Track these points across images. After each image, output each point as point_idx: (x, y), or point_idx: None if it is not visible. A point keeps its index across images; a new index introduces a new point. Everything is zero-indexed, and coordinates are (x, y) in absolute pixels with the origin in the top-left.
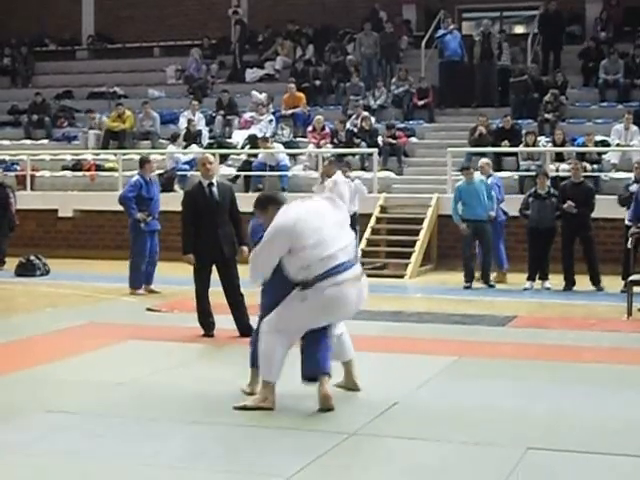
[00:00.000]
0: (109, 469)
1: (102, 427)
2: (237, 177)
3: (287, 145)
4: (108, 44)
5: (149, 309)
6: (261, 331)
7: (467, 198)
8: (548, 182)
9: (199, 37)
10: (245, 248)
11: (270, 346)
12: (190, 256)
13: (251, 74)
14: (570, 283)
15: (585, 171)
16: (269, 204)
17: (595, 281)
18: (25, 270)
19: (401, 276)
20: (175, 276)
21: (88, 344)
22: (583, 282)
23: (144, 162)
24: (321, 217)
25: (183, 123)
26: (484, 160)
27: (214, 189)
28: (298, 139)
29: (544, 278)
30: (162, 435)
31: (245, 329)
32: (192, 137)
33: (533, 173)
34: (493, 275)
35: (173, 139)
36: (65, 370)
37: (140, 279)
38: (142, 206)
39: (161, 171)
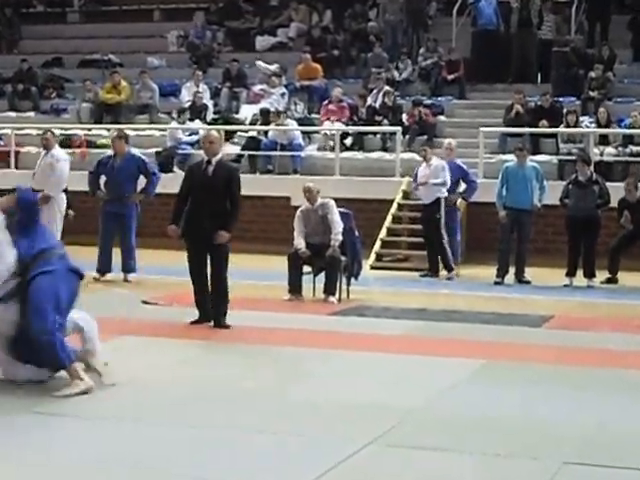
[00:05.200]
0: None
1: (90, 430)
2: (241, 156)
3: (301, 122)
4: (102, 6)
5: (145, 302)
6: None
7: (513, 183)
8: (590, 168)
9: (204, 0)
10: (223, 233)
11: None
12: (172, 227)
13: (261, 42)
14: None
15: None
16: None
17: None
18: None
19: (424, 269)
20: (174, 266)
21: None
22: (630, 279)
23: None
24: None
25: (185, 96)
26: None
27: (210, 167)
28: (313, 115)
29: (589, 276)
30: (158, 438)
31: (217, 320)
32: (197, 111)
33: (574, 157)
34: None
35: (179, 114)
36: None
37: (101, 264)
38: (107, 185)
39: (159, 149)
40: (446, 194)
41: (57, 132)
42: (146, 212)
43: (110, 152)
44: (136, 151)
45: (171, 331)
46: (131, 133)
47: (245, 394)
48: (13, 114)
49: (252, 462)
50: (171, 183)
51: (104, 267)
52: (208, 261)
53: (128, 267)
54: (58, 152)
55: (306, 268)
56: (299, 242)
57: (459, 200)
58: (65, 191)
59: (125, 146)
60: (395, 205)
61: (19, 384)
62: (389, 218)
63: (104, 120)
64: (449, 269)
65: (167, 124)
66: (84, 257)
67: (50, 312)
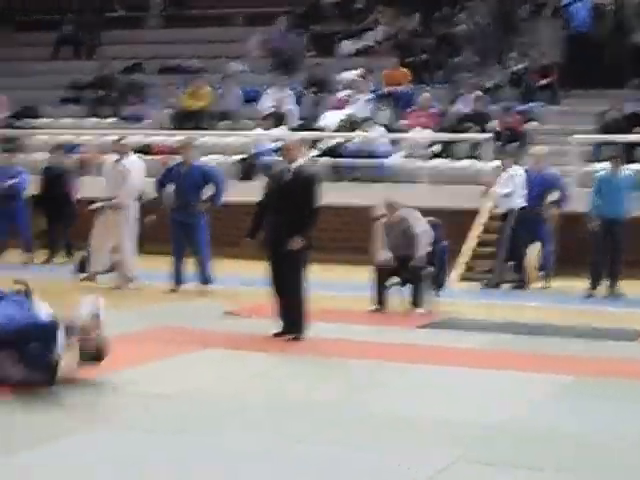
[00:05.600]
0: None
1: (162, 443)
2: (324, 164)
3: (386, 129)
4: (183, 11)
5: (227, 313)
6: None
7: (606, 192)
8: None
9: (287, 4)
10: (296, 238)
11: None
12: (247, 240)
13: (346, 46)
14: None
15: None
16: None
17: None
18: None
19: (515, 281)
20: (256, 276)
21: (159, 351)
22: None
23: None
24: None
25: (266, 102)
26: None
27: (289, 174)
28: (399, 122)
29: None
30: (235, 452)
31: (291, 332)
32: (279, 118)
33: None
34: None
35: (263, 120)
36: (135, 380)
37: (174, 274)
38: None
39: (241, 156)
40: (520, 204)
41: (137, 139)
42: (227, 221)
43: (179, 160)
44: (205, 159)
45: (250, 343)
46: (212, 140)
47: (318, 407)
48: (93, 120)
49: (334, 477)
50: (253, 191)
51: (177, 277)
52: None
53: (202, 278)
54: (131, 160)
55: (393, 278)
56: (383, 253)
57: (551, 210)
58: (141, 198)
59: (193, 154)
60: (485, 215)
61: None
62: (479, 228)
63: (185, 127)
64: (494, 283)
65: (249, 131)
66: (163, 267)
67: None
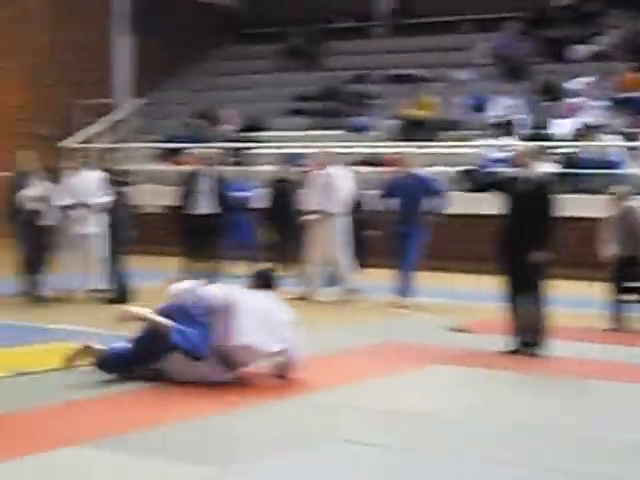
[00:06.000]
0: None
1: (404, 462)
2: (556, 174)
3: (623, 137)
4: (408, 19)
5: (453, 329)
6: None
7: None
8: None
9: (515, 9)
10: (536, 252)
11: None
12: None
13: (578, 51)
14: None
15: None
16: None
17: None
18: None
19: None
20: (483, 291)
21: (388, 366)
22: None
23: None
24: None
25: (494, 110)
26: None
27: (520, 184)
28: (636, 130)
29: None
30: (470, 476)
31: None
32: (507, 127)
33: None
34: None
35: (490, 129)
36: (363, 395)
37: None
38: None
39: (467, 167)
40: None
41: (363, 150)
42: (450, 233)
43: (403, 171)
44: (430, 170)
45: (479, 360)
46: (438, 150)
47: (559, 429)
48: (318, 132)
49: None
50: (481, 203)
51: (402, 291)
52: (521, 285)
53: (403, 290)
54: (335, 170)
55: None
56: (608, 248)
57: None
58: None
59: (410, 165)
60: None
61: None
62: None
63: (411, 137)
64: None
65: (475, 140)
66: (383, 280)
67: None
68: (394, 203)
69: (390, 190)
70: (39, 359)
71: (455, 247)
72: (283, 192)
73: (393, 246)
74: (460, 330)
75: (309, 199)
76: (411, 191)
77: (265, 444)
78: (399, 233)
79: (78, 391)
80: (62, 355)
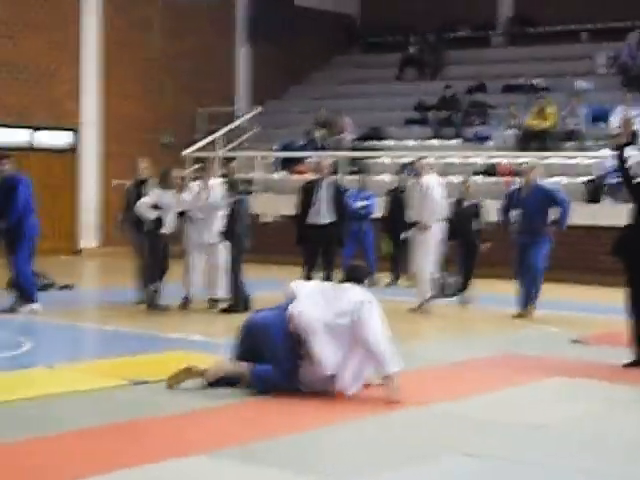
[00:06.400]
0: None
1: (527, 476)
2: None
3: None
4: (527, 28)
5: (575, 341)
6: None
7: None
8: None
9: (637, 18)
10: None
11: None
12: None
13: None
14: None
15: None
16: None
17: None
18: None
19: None
20: (605, 303)
21: (506, 379)
22: None
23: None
24: None
25: (615, 120)
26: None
27: None
28: None
29: None
30: None
31: None
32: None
33: None
34: None
35: (613, 139)
36: (480, 407)
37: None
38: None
39: (588, 178)
40: None
41: (481, 160)
42: (572, 245)
43: (521, 182)
44: (551, 181)
45: (600, 372)
46: (558, 161)
47: None
48: (437, 142)
49: None
50: (601, 214)
51: (523, 301)
52: None
53: (525, 301)
54: (430, 179)
55: None
56: None
57: None
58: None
59: (537, 176)
60: None
61: None
62: None
63: (530, 148)
64: None
65: (596, 151)
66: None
67: None
68: (517, 214)
69: (513, 201)
70: (155, 368)
71: (576, 258)
72: (399, 202)
73: (516, 257)
74: (581, 342)
75: (411, 210)
76: (535, 202)
77: (381, 457)
78: (520, 244)
79: (191, 401)
80: (175, 367)
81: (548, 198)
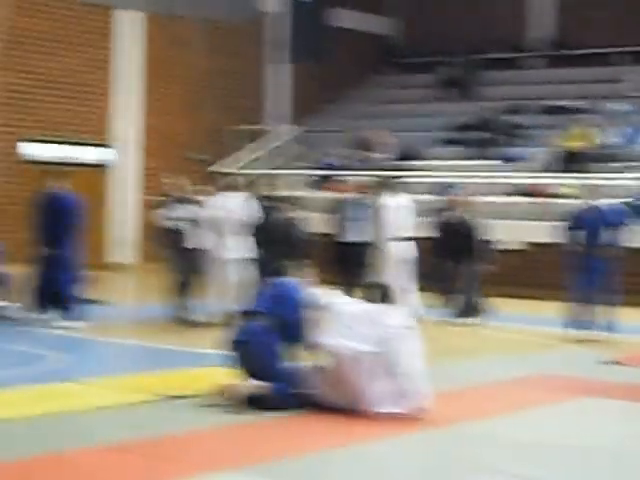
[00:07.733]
0: None
1: None
2: None
3: None
4: (564, 50)
5: (607, 362)
6: None
7: None
8: None
9: None
10: None
11: None
12: None
13: None
14: None
15: None
16: None
17: None
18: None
19: None
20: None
21: (537, 398)
22: None
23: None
24: None
25: None
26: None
27: None
28: None
29: None
30: None
31: None
32: None
33: None
34: None
35: None
36: (510, 427)
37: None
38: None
39: (630, 199)
40: None
41: (516, 181)
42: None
43: (582, 203)
44: (606, 201)
45: (630, 393)
46: (600, 182)
47: None
48: (472, 162)
49: None
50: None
51: (578, 324)
52: None
53: (607, 326)
54: (386, 199)
55: None
56: None
57: None
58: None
59: (593, 197)
60: None
61: None
62: None
63: (568, 169)
64: None
65: (636, 172)
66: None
67: None
68: (580, 235)
69: (576, 222)
70: (186, 384)
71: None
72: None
73: (577, 279)
74: (614, 363)
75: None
76: (594, 223)
77: (412, 476)
78: (585, 266)
79: (222, 417)
80: (209, 381)
81: (607, 219)
